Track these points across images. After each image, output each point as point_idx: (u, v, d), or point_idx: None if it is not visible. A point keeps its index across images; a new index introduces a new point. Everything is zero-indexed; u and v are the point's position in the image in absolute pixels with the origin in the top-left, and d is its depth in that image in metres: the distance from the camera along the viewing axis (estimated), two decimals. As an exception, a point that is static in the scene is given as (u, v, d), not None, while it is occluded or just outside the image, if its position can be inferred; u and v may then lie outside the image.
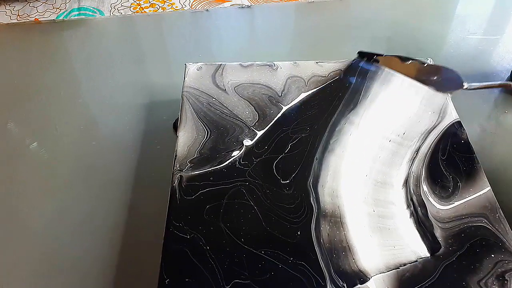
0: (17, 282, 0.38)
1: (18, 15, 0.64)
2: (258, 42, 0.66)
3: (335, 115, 0.44)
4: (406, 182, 0.39)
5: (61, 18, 0.64)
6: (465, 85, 0.40)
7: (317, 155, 0.41)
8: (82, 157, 0.48)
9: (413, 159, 0.40)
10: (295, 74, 0.48)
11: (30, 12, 0.63)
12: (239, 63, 0.50)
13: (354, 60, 0.50)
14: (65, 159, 0.48)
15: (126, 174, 0.46)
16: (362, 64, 0.49)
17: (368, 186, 0.38)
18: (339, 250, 0.34)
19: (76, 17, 0.66)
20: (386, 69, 0.48)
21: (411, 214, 0.36)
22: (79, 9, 0.64)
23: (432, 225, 0.36)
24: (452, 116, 0.44)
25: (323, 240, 0.34)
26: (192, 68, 0.49)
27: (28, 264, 0.40)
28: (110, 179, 0.46)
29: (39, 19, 0.65)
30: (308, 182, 0.39)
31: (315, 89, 0.47)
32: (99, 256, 0.40)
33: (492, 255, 0.34)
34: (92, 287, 0.38)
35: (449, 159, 0.41)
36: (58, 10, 0.65)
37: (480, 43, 0.64)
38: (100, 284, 0.38)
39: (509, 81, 0.57)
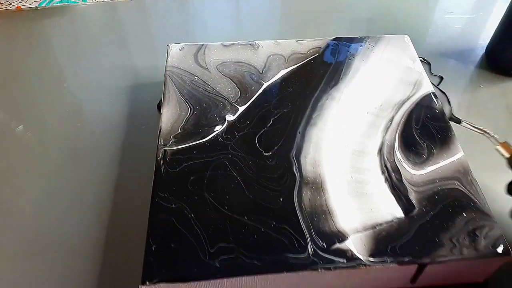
0: (5, 262, 0.39)
1: (0, 3, 0.64)
2: (240, 26, 0.67)
3: (318, 91, 0.45)
4: (380, 150, 0.40)
5: (43, 5, 0.65)
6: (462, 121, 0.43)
7: (300, 129, 0.42)
8: (68, 139, 0.49)
9: (387, 128, 0.42)
10: (276, 52, 0.50)
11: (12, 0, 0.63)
12: (221, 43, 0.51)
13: (332, 39, 0.51)
14: (52, 141, 0.49)
15: (113, 153, 0.47)
16: (340, 43, 0.51)
17: (347, 155, 0.40)
18: (320, 213, 0.35)
19: (58, 3, 0.66)
20: (364, 46, 0.49)
21: (386, 180, 0.38)
22: (61, -4, 0.64)
23: (406, 189, 0.37)
24: (426, 88, 0.46)
25: (304, 205, 0.36)
26: (174, 48, 0.50)
27: (16, 243, 0.40)
28: (96, 159, 0.47)
29: (21, 7, 0.65)
30: (291, 153, 0.40)
31: (295, 66, 0.48)
32: (87, 233, 0.41)
33: (464, 214, 0.35)
34: (82, 263, 0.39)
35: (424, 128, 0.42)
36: (40, -3, 0.65)
37: (456, 22, 0.66)
38: (90, 259, 0.39)
39: (487, 55, 0.59)
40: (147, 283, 0.32)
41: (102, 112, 0.52)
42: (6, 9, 0.65)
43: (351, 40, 0.51)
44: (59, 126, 0.50)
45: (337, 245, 0.33)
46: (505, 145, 0.39)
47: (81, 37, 0.63)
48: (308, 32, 0.64)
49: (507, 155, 0.39)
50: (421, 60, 0.50)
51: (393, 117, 0.43)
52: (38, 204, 0.43)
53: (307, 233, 0.34)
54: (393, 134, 0.41)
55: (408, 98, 0.45)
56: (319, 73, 0.47)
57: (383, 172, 0.38)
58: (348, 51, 0.50)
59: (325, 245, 0.33)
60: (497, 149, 0.39)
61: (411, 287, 0.37)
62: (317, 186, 0.37)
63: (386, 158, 0.39)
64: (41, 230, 0.41)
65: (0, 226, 0.42)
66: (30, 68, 0.58)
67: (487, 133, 0.40)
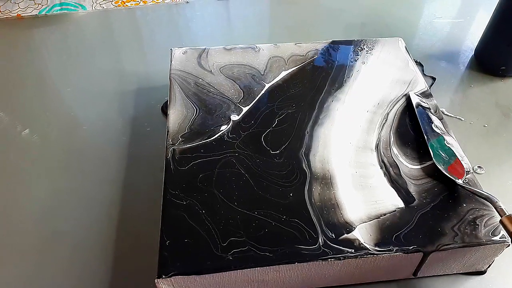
0: (18, 259, 0.40)
1: (0, 11, 0.65)
2: (237, 31, 0.68)
3: (323, 93, 0.47)
4: (376, 146, 0.42)
5: (43, 13, 0.66)
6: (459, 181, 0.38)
7: (308, 129, 0.43)
8: (74, 141, 0.50)
9: (382, 125, 0.44)
10: (276, 55, 0.51)
11: (12, 8, 0.64)
12: (222, 46, 0.52)
13: (330, 41, 0.53)
14: (58, 144, 0.50)
15: (119, 155, 0.48)
16: (338, 46, 0.52)
17: (352, 152, 0.41)
18: (329, 207, 0.37)
19: (58, 11, 0.67)
20: (364, 48, 0.51)
21: (384, 174, 0.40)
22: (60, 4, 0.65)
23: (405, 182, 0.39)
24: (421, 86, 0.48)
25: (314, 200, 0.37)
26: (177, 52, 0.51)
27: (27, 241, 0.41)
28: (103, 161, 0.48)
29: (22, 15, 0.66)
30: (300, 152, 0.41)
31: (294, 68, 0.50)
32: (98, 231, 0.41)
33: (464, 205, 0.37)
34: (93, 260, 0.39)
35: (418, 124, 0.44)
36: (40, 5, 0.66)
37: (446, 26, 0.68)
38: (101, 257, 0.40)
39: (476, 56, 0.61)
40: (163, 276, 0.33)
41: (107, 115, 0.53)
42: (6, 17, 0.66)
43: (349, 42, 0.53)
44: (65, 129, 0.51)
45: (345, 236, 0.35)
46: (511, 218, 0.34)
47: (81, 44, 0.64)
48: (302, 37, 0.66)
49: None
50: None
51: (387, 114, 0.45)
52: (47, 204, 0.44)
53: (318, 225, 0.35)
54: (388, 130, 0.43)
55: (402, 96, 0.47)
56: (321, 75, 0.49)
57: (381, 167, 0.40)
58: (349, 53, 0.52)
59: (334, 236, 0.35)
60: (501, 222, 0.34)
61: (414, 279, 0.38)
62: (327, 182, 0.39)
63: (382, 154, 0.41)
64: (51, 229, 0.42)
65: (11, 225, 0.42)
66: (33, 73, 0.59)
67: (493, 200, 0.36)
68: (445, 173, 0.39)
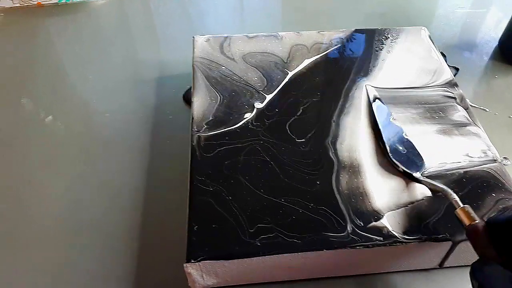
0: (44, 244, 0.40)
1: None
2: (254, 20, 0.68)
3: (348, 82, 0.47)
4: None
5: (63, 1, 0.66)
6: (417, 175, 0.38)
7: (334, 118, 0.43)
8: (97, 128, 0.50)
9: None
10: (298, 43, 0.51)
11: (32, -4, 0.64)
12: (244, 34, 0.52)
13: (353, 30, 0.53)
14: (81, 130, 0.50)
15: (142, 142, 0.48)
16: (362, 34, 0.52)
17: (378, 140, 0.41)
18: (357, 195, 0.37)
19: (78, 0, 0.67)
20: (388, 37, 0.51)
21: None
22: (80, -8, 0.65)
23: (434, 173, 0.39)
24: (446, 75, 0.47)
25: (342, 188, 0.37)
26: (200, 40, 0.51)
27: (52, 227, 0.41)
28: (126, 147, 0.48)
29: (42, 3, 0.66)
30: (327, 140, 0.41)
31: (318, 56, 0.49)
32: (122, 216, 0.42)
33: (493, 194, 0.37)
34: (119, 245, 0.40)
35: (445, 113, 0.44)
36: (59, -7, 0.66)
37: (468, 16, 0.67)
38: (126, 242, 0.40)
39: (500, 47, 0.60)
40: (192, 261, 0.33)
41: (129, 103, 0.53)
42: (27, 5, 0.66)
43: (373, 31, 0.52)
44: (88, 116, 0.51)
45: (374, 223, 0.35)
46: (465, 210, 0.32)
47: (101, 32, 0.64)
48: (321, 26, 0.65)
49: (466, 222, 0.32)
50: (439, 51, 0.52)
51: (416, 104, 0.44)
52: (72, 190, 0.44)
53: (346, 213, 0.35)
54: (414, 118, 0.43)
55: (428, 85, 0.46)
56: (346, 64, 0.48)
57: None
58: (373, 42, 0.51)
59: (362, 224, 0.34)
60: (456, 214, 0.33)
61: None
62: (354, 170, 0.38)
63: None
64: (76, 214, 0.42)
65: (37, 211, 0.42)
66: (54, 61, 0.59)
67: (448, 192, 0.35)
68: (401, 167, 0.38)
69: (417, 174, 0.38)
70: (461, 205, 0.33)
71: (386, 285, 0.37)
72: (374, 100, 0.44)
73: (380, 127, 0.41)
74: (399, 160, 0.39)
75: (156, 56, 0.60)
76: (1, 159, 0.47)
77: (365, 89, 0.45)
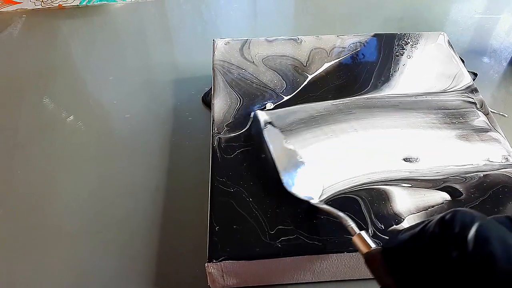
0: (66, 240, 0.41)
1: (42, 1, 0.66)
2: (271, 23, 0.68)
3: (368, 86, 0.47)
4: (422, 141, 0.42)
5: (84, 3, 0.67)
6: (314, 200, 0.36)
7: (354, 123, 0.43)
8: (117, 129, 0.51)
9: (430, 121, 0.43)
10: (318, 46, 0.51)
11: (54, -2, 0.65)
12: (264, 38, 0.52)
13: (372, 35, 0.53)
14: (102, 131, 0.50)
15: (162, 143, 0.49)
16: (382, 39, 0.52)
17: (400, 146, 0.41)
18: (379, 199, 0.37)
19: (98, 2, 0.68)
20: (409, 42, 0.51)
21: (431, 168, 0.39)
22: (100, -6, 0.66)
23: (453, 177, 0.38)
24: (466, 80, 0.47)
25: (365, 195, 0.37)
26: (220, 43, 0.52)
27: (74, 224, 0.42)
28: (146, 148, 0.48)
29: (63, 5, 0.67)
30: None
31: (337, 59, 0.50)
32: (143, 215, 0.42)
33: (515, 200, 0.37)
34: (139, 244, 0.40)
35: (465, 118, 0.43)
36: (80, -4, 0.67)
37: (486, 21, 0.67)
38: (147, 240, 0.40)
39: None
40: (214, 261, 0.33)
41: (149, 104, 0.53)
42: (49, 7, 0.68)
43: (392, 36, 0.53)
44: (108, 116, 0.52)
45: (394, 227, 0.35)
46: (360, 237, 0.30)
47: (121, 34, 0.65)
48: (339, 30, 0.66)
49: (363, 250, 0.29)
50: (458, 56, 0.52)
51: (436, 109, 0.44)
52: (93, 188, 0.45)
53: (367, 216, 0.35)
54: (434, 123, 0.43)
55: (448, 90, 0.46)
56: (366, 68, 0.49)
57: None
58: (393, 47, 0.51)
59: (383, 227, 0.35)
60: (353, 242, 0.30)
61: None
62: (378, 179, 0.38)
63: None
64: (97, 212, 0.43)
65: (58, 210, 0.43)
66: (75, 62, 0.60)
67: (343, 219, 0.33)
68: (296, 194, 0.36)
69: (314, 200, 0.36)
70: (357, 231, 0.30)
71: None
72: (265, 126, 0.42)
73: (273, 153, 0.39)
74: (295, 186, 0.37)
75: (173, 58, 0.61)
76: (22, 158, 0.48)
77: (256, 115, 0.43)
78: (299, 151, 0.40)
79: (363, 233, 0.30)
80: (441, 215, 0.23)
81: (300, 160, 0.39)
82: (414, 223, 0.26)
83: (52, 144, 0.49)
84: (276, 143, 0.40)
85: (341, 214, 0.33)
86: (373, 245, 0.29)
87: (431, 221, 0.23)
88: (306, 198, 0.36)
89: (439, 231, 0.22)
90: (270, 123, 0.42)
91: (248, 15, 0.70)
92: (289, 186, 0.37)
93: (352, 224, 0.32)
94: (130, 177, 0.46)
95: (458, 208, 0.23)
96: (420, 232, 0.24)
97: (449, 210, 0.23)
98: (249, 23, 0.69)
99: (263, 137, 0.41)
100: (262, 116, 0.43)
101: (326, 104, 0.45)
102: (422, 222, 0.24)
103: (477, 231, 0.21)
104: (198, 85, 0.55)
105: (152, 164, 0.47)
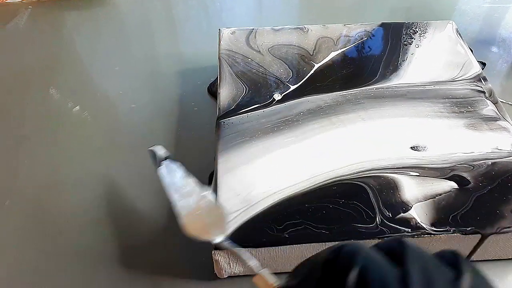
0: (72, 229, 0.41)
1: (49, -8, 0.66)
2: (277, 13, 0.68)
3: (377, 76, 0.46)
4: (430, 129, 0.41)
5: (89, -6, 0.67)
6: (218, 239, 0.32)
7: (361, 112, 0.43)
8: (123, 119, 0.51)
9: (438, 109, 0.43)
10: (324, 35, 0.51)
11: (60, -11, 0.65)
12: (270, 27, 0.52)
13: (380, 23, 0.52)
14: (108, 121, 0.51)
15: (168, 132, 0.49)
16: (389, 28, 0.52)
17: (408, 135, 0.40)
18: (388, 188, 0.36)
19: (104, -7, 0.68)
20: (417, 31, 0.50)
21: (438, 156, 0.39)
22: (106, -14, 0.66)
23: (460, 165, 0.38)
24: (475, 69, 0.47)
25: (373, 182, 0.37)
26: (226, 32, 0.52)
27: (80, 210, 0.42)
28: (152, 137, 0.48)
29: (69, -4, 0.67)
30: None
31: (345, 48, 0.49)
32: (150, 203, 0.42)
33: (524, 188, 0.36)
34: (148, 230, 0.40)
35: (473, 107, 0.43)
36: (86, -12, 0.67)
37: (495, 11, 0.66)
38: (154, 230, 0.40)
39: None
40: (220, 248, 0.33)
41: (154, 94, 0.53)
42: (54, -2, 0.68)
43: (400, 25, 0.52)
44: (114, 107, 0.52)
45: (402, 215, 0.34)
46: (261, 276, 0.29)
47: (126, 25, 0.65)
48: (346, 19, 0.65)
49: None
50: (467, 45, 0.51)
51: (444, 99, 0.44)
52: (98, 178, 0.45)
53: (376, 205, 0.35)
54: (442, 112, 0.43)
55: (456, 79, 0.46)
56: (374, 57, 0.48)
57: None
58: (401, 36, 0.51)
59: (391, 215, 0.34)
60: (253, 281, 0.29)
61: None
62: (385, 166, 0.38)
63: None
64: (103, 202, 0.43)
65: (63, 199, 0.43)
66: (81, 53, 0.60)
67: (244, 258, 0.31)
68: (196, 235, 0.33)
69: (218, 239, 0.33)
70: (257, 271, 0.29)
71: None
72: (160, 163, 0.37)
73: (170, 189, 0.36)
74: (194, 229, 0.33)
75: (177, 49, 0.61)
76: (29, 147, 0.48)
77: (152, 151, 0.37)
78: (203, 190, 0.35)
79: (264, 271, 0.29)
80: (329, 250, 0.21)
81: (206, 196, 0.35)
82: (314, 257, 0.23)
83: (58, 134, 0.49)
84: (174, 178, 0.36)
85: (241, 253, 0.31)
86: (274, 284, 0.28)
87: (319, 261, 0.21)
88: (207, 240, 0.33)
89: (322, 274, 0.20)
90: (167, 158, 0.37)
91: (253, 6, 0.70)
92: (189, 225, 0.33)
93: (253, 264, 0.30)
94: (135, 166, 0.46)
95: (344, 243, 0.21)
96: (309, 276, 0.22)
97: (337, 245, 0.21)
98: (254, 14, 0.69)
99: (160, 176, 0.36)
100: (159, 150, 0.37)
101: (334, 94, 0.44)
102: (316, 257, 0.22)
103: (358, 274, 0.19)
104: (204, 75, 0.55)
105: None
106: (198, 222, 0.34)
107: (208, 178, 0.41)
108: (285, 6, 0.70)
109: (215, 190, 0.37)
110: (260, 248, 0.34)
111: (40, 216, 0.42)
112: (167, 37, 0.64)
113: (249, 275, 0.36)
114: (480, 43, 0.60)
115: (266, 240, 0.33)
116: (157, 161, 0.37)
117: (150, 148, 0.37)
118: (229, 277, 0.37)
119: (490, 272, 0.37)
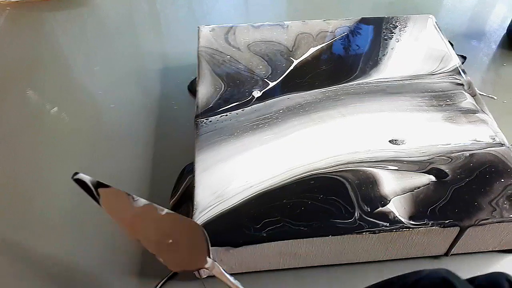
0: (52, 230, 0.40)
1: (26, -8, 0.65)
2: (262, 10, 0.68)
3: (357, 71, 0.46)
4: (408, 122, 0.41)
5: (69, -6, 0.66)
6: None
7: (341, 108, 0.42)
8: (102, 119, 0.50)
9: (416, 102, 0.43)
10: (304, 31, 0.51)
11: (38, -11, 0.64)
12: (250, 24, 0.52)
13: (359, 19, 0.52)
14: (87, 121, 0.50)
15: (147, 132, 0.48)
16: (370, 23, 0.52)
17: (387, 129, 0.40)
18: (367, 183, 0.36)
19: (83, -7, 0.67)
20: (397, 26, 0.50)
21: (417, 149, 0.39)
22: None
23: (438, 157, 0.38)
24: (454, 62, 0.47)
25: (352, 177, 0.37)
26: (205, 30, 0.51)
27: (61, 214, 0.41)
28: (131, 138, 0.48)
29: (48, -4, 0.66)
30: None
31: (324, 44, 0.49)
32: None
33: (502, 180, 0.36)
34: (124, 237, 0.40)
35: (452, 99, 0.43)
36: (65, -12, 0.66)
37: (475, 5, 0.67)
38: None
39: (508, 35, 0.60)
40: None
41: (134, 94, 0.53)
42: (33, -1, 0.67)
43: (380, 20, 0.52)
44: (93, 107, 0.52)
45: (380, 209, 0.34)
46: None
47: (107, 25, 0.64)
48: (326, 15, 0.65)
49: None
50: (446, 39, 0.51)
51: (423, 92, 0.44)
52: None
53: (355, 200, 0.35)
54: (421, 106, 0.42)
55: (435, 72, 0.46)
56: (354, 52, 0.48)
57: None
58: (381, 31, 0.50)
59: (369, 209, 0.34)
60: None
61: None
62: (363, 159, 0.38)
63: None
64: (83, 202, 0.41)
65: (42, 202, 0.43)
66: (60, 54, 0.59)
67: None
68: (177, 269, 0.32)
69: (203, 272, 0.34)
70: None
71: (392, 273, 0.36)
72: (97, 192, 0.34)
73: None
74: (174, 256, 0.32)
75: (160, 48, 0.61)
76: (6, 150, 0.47)
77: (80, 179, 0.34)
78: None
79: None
80: None
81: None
82: None
83: (36, 135, 0.49)
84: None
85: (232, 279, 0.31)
86: None
87: None
88: (191, 269, 0.33)
89: None
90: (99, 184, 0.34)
91: (237, 3, 0.69)
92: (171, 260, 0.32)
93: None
94: (114, 166, 0.45)
95: None
96: None
97: None
98: (238, 11, 0.68)
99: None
100: (87, 179, 0.34)
101: (314, 92, 0.44)
102: None
103: None
104: (185, 74, 0.55)
105: (136, 154, 0.46)
106: (174, 253, 0.31)
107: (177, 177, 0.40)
108: (271, 2, 0.69)
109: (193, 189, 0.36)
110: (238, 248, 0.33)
111: (19, 216, 0.41)
112: (149, 35, 0.63)
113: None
114: (461, 37, 0.60)
115: (244, 240, 0.33)
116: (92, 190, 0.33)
117: (75, 177, 0.33)
118: (208, 277, 0.36)
119: (472, 265, 0.37)
